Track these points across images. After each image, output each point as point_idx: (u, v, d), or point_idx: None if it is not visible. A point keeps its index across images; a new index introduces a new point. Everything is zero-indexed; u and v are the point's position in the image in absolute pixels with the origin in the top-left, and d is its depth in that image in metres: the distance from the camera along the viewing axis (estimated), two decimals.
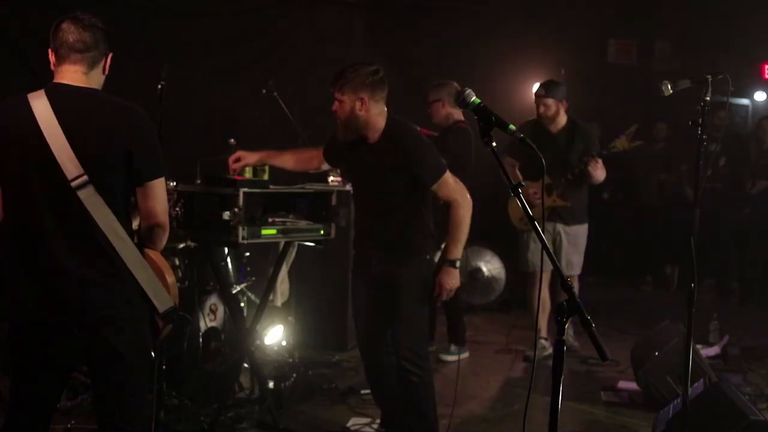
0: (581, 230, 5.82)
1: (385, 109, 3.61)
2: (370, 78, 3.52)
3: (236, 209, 3.58)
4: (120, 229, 2.53)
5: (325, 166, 4.07)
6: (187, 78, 5.18)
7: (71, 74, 2.58)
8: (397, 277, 3.68)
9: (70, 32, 2.56)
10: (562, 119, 5.63)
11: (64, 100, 2.53)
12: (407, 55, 7.85)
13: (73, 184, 2.47)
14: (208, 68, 6.17)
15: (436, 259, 3.80)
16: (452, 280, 3.65)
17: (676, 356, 4.30)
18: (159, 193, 2.62)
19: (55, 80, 2.60)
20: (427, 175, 3.59)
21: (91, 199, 2.48)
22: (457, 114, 5.42)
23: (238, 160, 3.86)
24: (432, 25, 7.91)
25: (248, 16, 6.71)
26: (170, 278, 2.68)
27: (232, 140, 4.16)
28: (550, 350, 5.76)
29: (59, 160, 2.47)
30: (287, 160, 4.01)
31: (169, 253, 4.76)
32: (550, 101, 5.57)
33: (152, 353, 2.79)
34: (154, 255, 2.65)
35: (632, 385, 4.99)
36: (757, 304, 7.87)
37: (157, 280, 2.60)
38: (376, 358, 3.88)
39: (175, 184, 3.95)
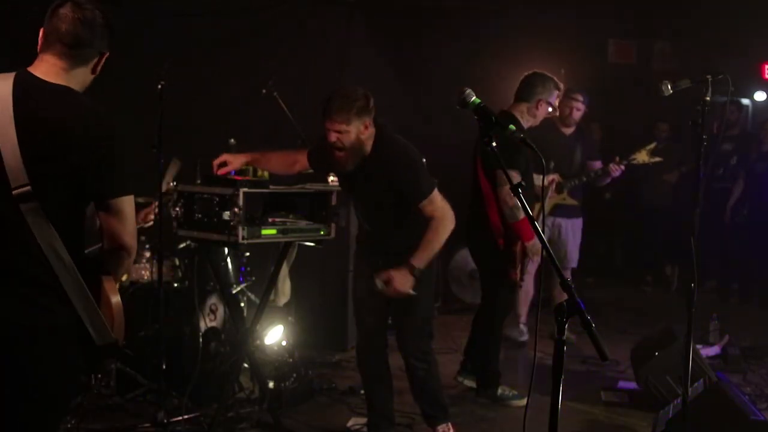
0: (580, 224, 6.19)
1: None
2: (369, 102, 3.58)
3: (236, 209, 3.58)
4: (62, 250, 2.20)
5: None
6: (187, 78, 5.17)
7: (50, 66, 2.27)
8: None
9: (65, 21, 2.25)
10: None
11: (29, 96, 2.20)
12: (407, 55, 7.85)
13: (15, 193, 2.15)
14: (208, 68, 6.16)
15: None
16: (407, 283, 3.60)
17: (676, 356, 4.30)
18: (125, 212, 2.29)
19: (30, 68, 2.29)
20: (415, 194, 3.65)
21: (32, 213, 2.16)
22: None
23: (223, 164, 3.83)
24: (432, 25, 7.90)
25: (248, 16, 6.71)
26: (114, 298, 2.31)
27: (232, 140, 4.16)
28: (526, 336, 6.15)
29: (6, 163, 2.14)
30: (272, 163, 4.03)
31: (169, 252, 4.78)
32: (583, 106, 5.94)
33: (73, 389, 2.51)
34: (105, 280, 2.30)
35: (632, 385, 5.00)
36: (757, 304, 7.87)
37: (98, 313, 2.25)
38: (379, 352, 4.03)
39: (175, 184, 3.95)
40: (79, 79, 2.33)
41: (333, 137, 3.55)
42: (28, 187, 2.15)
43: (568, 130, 5.99)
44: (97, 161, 2.22)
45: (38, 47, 2.31)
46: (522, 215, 4.21)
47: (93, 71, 2.36)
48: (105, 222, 2.28)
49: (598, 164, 5.98)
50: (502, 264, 4.65)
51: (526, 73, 4.83)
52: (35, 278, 2.21)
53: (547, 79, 4.77)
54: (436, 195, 3.67)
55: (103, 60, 2.37)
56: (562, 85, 4.97)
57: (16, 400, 2.24)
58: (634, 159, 5.74)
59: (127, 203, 2.30)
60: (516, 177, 4.35)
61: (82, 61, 2.31)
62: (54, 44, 2.27)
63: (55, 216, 2.20)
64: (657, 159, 5.84)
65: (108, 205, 2.27)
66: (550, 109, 4.81)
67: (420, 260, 3.61)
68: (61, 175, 2.21)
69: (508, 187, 4.30)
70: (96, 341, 2.26)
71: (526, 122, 4.77)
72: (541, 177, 4.88)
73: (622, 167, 5.69)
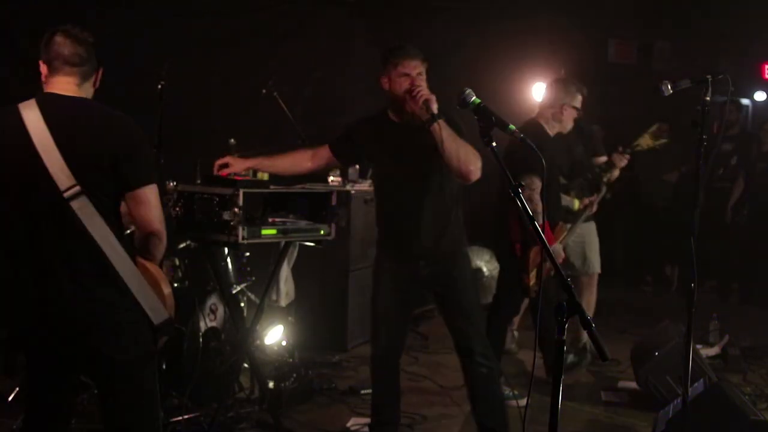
0: (593, 226, 5.69)
1: None
2: None
3: (236, 209, 3.58)
4: (113, 239, 2.51)
5: (316, 166, 4.03)
6: (187, 78, 5.17)
7: (63, 85, 2.59)
8: (454, 275, 3.75)
9: (65, 45, 2.58)
10: None
11: (55, 110, 2.53)
12: None
13: (66, 194, 2.46)
14: (208, 68, 6.16)
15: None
16: (431, 97, 3.50)
17: (676, 356, 4.31)
18: (151, 200, 2.58)
19: (47, 90, 2.60)
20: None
21: (84, 209, 2.47)
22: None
23: (225, 165, 3.79)
24: (432, 26, 7.91)
25: (248, 16, 6.71)
26: (166, 290, 2.64)
27: (232, 140, 4.16)
28: (514, 344, 5.95)
29: (51, 172, 2.46)
30: (278, 165, 3.91)
31: (169, 253, 4.77)
32: None
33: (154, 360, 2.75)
34: (151, 266, 2.62)
35: (632, 385, 4.99)
36: (758, 304, 7.87)
37: (151, 292, 2.57)
38: (393, 365, 3.94)
39: (175, 183, 3.95)
40: (87, 93, 2.65)
41: (418, 80, 3.54)
42: (78, 187, 2.46)
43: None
44: (123, 156, 2.52)
45: (42, 77, 2.62)
46: (541, 219, 4.08)
47: (94, 84, 2.69)
48: (135, 211, 2.57)
49: (603, 159, 5.73)
50: (516, 268, 4.63)
51: (548, 81, 4.86)
52: (92, 271, 2.51)
53: (569, 83, 4.82)
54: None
55: (101, 73, 2.69)
56: (585, 90, 4.93)
57: (111, 381, 2.60)
58: (638, 145, 5.36)
59: (152, 191, 2.59)
60: (536, 182, 4.34)
61: (87, 76, 2.63)
62: (62, 67, 2.58)
63: (102, 209, 2.50)
64: (662, 140, 5.44)
65: (135, 194, 2.55)
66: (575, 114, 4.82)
67: (445, 128, 3.46)
68: (101, 173, 2.50)
69: (532, 191, 4.29)
70: (153, 321, 2.57)
71: (552, 128, 4.78)
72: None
73: (627, 156, 5.30)
